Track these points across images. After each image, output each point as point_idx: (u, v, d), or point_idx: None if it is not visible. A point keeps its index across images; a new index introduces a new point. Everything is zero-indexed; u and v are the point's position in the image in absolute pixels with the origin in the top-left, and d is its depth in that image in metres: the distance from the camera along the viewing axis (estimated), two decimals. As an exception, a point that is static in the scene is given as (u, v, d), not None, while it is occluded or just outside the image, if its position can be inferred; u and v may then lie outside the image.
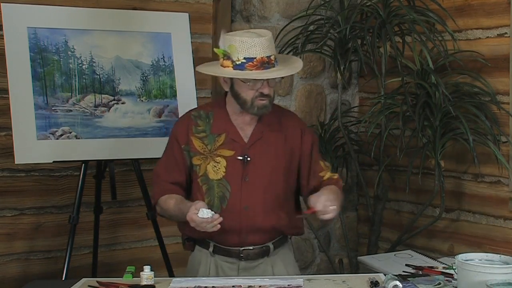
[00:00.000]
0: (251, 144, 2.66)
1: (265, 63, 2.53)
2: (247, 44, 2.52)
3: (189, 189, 2.74)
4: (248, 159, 2.63)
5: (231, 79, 2.60)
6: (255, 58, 2.52)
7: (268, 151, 2.67)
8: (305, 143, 2.73)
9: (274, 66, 2.56)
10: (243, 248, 2.67)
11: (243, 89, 2.58)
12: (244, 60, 2.53)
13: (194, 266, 2.76)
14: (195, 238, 2.74)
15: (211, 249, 2.70)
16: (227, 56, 2.56)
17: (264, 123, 2.68)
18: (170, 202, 2.67)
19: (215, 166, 2.64)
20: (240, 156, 2.64)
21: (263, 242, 2.69)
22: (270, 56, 2.54)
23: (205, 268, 2.72)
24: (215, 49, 2.64)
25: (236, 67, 2.54)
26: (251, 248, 2.67)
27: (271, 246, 2.71)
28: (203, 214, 2.44)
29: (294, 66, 2.67)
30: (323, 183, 2.70)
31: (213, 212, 2.47)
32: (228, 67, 2.56)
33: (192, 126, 2.70)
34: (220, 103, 2.73)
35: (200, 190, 2.67)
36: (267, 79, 2.55)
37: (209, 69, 2.69)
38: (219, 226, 2.47)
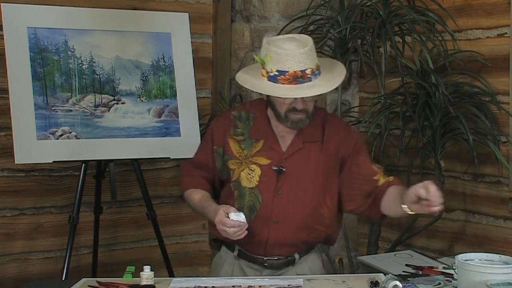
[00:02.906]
0: (289, 155, 2.54)
1: (299, 78, 2.39)
2: (281, 56, 2.39)
3: (215, 188, 2.70)
4: (284, 170, 2.52)
5: None
6: (287, 72, 2.39)
7: (307, 163, 2.54)
8: (348, 149, 2.57)
9: (310, 80, 2.41)
10: (267, 258, 2.59)
11: (277, 101, 2.48)
12: (276, 73, 2.40)
13: (218, 265, 2.71)
14: (222, 240, 2.66)
15: (235, 253, 2.64)
16: (263, 66, 2.45)
17: (305, 132, 2.55)
18: (195, 196, 2.65)
19: (249, 174, 2.55)
20: (276, 167, 2.53)
21: (289, 254, 2.61)
22: (305, 70, 2.39)
23: (230, 268, 2.65)
24: (254, 55, 2.52)
25: (270, 78, 2.42)
26: (276, 258, 2.60)
27: (297, 256, 2.62)
28: (234, 217, 2.38)
29: (333, 81, 2.47)
30: (381, 188, 2.52)
31: (244, 217, 2.40)
32: (264, 77, 2.45)
33: (231, 127, 2.61)
34: (262, 106, 2.61)
35: (232, 195, 2.58)
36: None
37: (246, 77, 2.54)
38: (244, 234, 2.41)
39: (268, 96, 2.51)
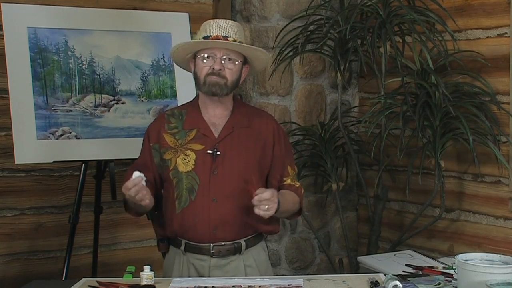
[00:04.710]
0: (221, 139, 2.68)
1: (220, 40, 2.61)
2: (207, 26, 2.65)
3: (159, 187, 2.77)
4: (218, 153, 2.66)
5: (195, 61, 2.69)
6: (210, 36, 2.62)
7: (238, 145, 2.69)
8: (276, 144, 2.75)
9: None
10: (214, 244, 2.66)
11: (199, 66, 2.66)
12: (202, 39, 2.64)
13: (169, 267, 2.77)
14: (168, 238, 2.75)
15: (182, 247, 2.70)
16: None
17: (235, 119, 2.72)
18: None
19: (184, 159, 2.67)
20: (210, 150, 2.67)
21: (234, 238, 2.68)
22: (227, 36, 2.62)
23: (178, 267, 2.71)
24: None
25: None
26: (222, 244, 2.66)
27: (243, 243, 2.69)
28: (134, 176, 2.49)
29: (251, 48, 2.69)
30: (283, 187, 2.74)
31: (141, 175, 2.50)
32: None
33: (165, 124, 2.75)
34: (194, 102, 2.79)
35: (171, 183, 2.69)
36: (222, 48, 2.62)
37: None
38: (144, 192, 2.49)
39: (194, 71, 2.70)
